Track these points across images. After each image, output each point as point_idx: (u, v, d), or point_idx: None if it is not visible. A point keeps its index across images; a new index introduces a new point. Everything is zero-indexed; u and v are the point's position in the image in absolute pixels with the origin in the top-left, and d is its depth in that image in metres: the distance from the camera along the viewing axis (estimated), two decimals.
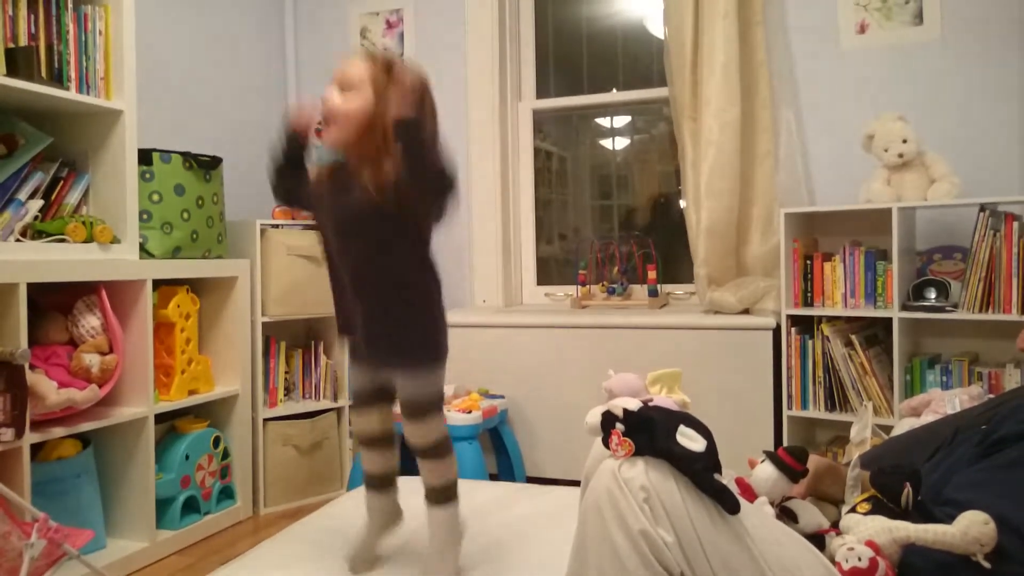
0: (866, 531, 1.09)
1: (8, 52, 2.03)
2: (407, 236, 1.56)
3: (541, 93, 3.42)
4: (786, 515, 1.21)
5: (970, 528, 1.00)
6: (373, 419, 1.73)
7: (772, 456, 1.25)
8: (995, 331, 2.45)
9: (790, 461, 1.23)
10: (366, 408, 1.73)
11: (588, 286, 3.17)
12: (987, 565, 0.99)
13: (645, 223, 3.35)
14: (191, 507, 2.48)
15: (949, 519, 1.03)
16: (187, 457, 2.45)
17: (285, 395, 2.92)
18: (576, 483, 1.33)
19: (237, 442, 2.66)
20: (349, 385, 1.82)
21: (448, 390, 2.79)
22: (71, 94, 2.17)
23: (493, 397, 2.78)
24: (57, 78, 2.16)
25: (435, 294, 1.64)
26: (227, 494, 2.64)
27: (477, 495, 2.20)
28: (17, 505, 1.62)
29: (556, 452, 2.82)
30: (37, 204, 2.16)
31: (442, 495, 1.68)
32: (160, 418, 2.38)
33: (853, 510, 1.18)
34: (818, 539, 1.15)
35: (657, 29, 3.21)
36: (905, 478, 1.14)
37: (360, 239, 1.57)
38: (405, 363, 1.62)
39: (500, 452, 2.82)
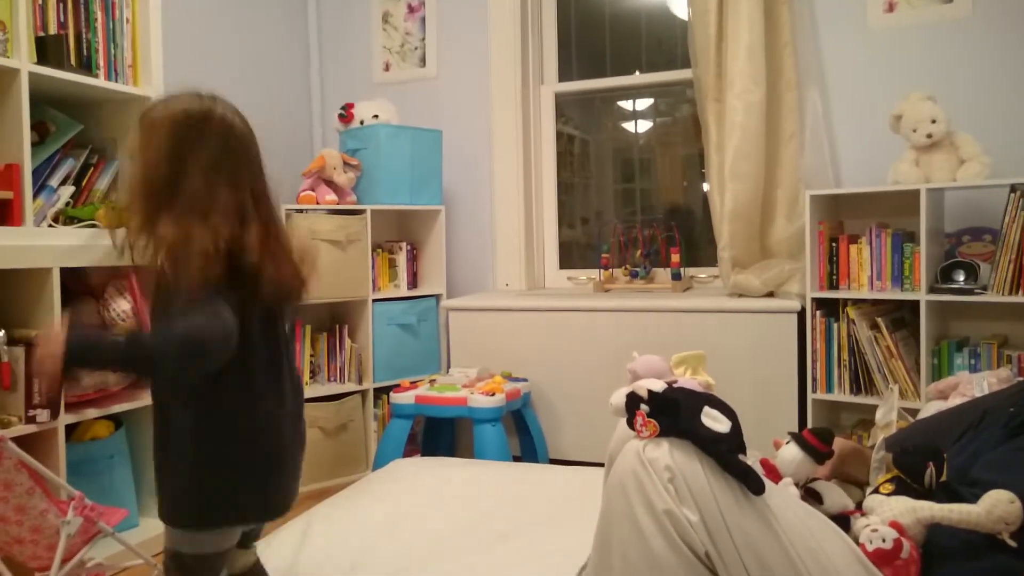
0: (890, 512, 1.10)
1: (38, 41, 2.06)
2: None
3: (563, 76, 3.41)
4: (811, 496, 1.21)
5: (995, 507, 0.99)
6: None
7: (797, 437, 1.25)
8: None
9: (815, 443, 1.23)
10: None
11: (611, 269, 3.17)
12: (1012, 544, 0.99)
13: (668, 206, 3.34)
14: None
15: (974, 499, 1.03)
16: None
17: (311, 378, 2.96)
18: (599, 465, 1.34)
19: None
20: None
21: (471, 373, 2.82)
22: (100, 81, 2.20)
23: (516, 380, 2.80)
24: (86, 66, 2.19)
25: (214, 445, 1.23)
26: None
27: (500, 476, 2.22)
28: (54, 484, 1.67)
29: (579, 434, 2.83)
30: (68, 190, 2.20)
31: None
32: None
33: (876, 491, 1.18)
34: (843, 520, 1.15)
35: (681, 10, 3.18)
36: (927, 458, 1.13)
37: None
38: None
39: (523, 434, 2.84)
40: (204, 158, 1.21)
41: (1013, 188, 2.29)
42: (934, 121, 2.36)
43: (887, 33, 2.72)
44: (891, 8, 2.72)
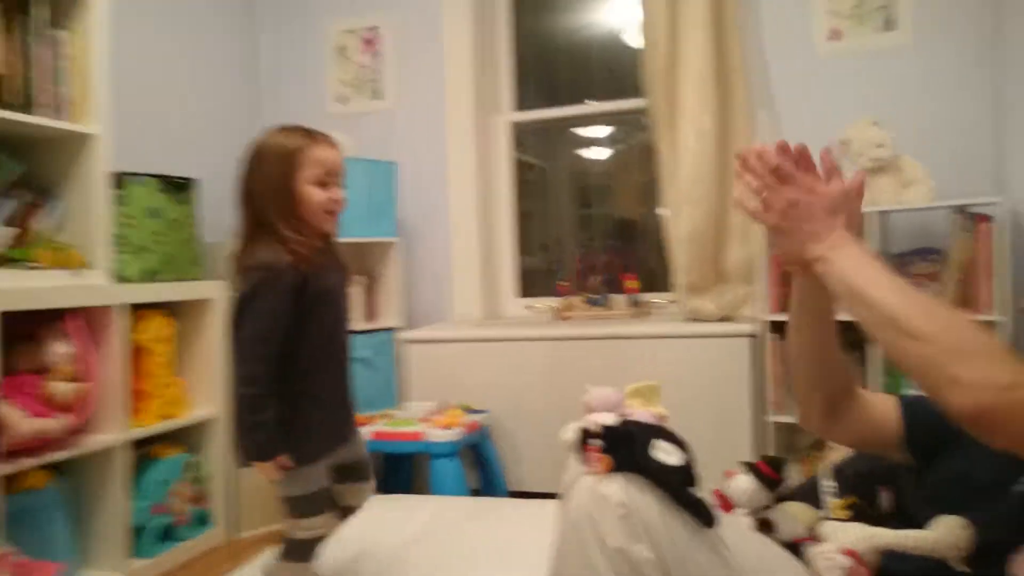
0: (845, 538, 1.09)
1: None
2: None
3: (519, 105, 3.42)
4: (764, 525, 1.20)
5: (948, 533, 0.99)
6: None
7: (750, 467, 1.24)
8: None
9: (767, 471, 1.22)
10: None
11: (569, 297, 3.16)
12: (965, 569, 0.99)
13: (626, 232, 3.35)
14: (167, 534, 2.43)
15: (928, 524, 1.02)
16: (163, 483, 2.40)
17: None
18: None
19: (214, 466, 2.61)
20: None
21: (430, 406, 2.78)
22: (41, 120, 2.13)
23: (476, 412, 2.76)
24: (26, 104, 2.13)
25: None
26: (204, 519, 2.59)
27: (457, 510, 2.18)
28: None
29: (539, 465, 2.79)
30: (8, 232, 2.12)
31: None
32: (135, 444, 2.34)
33: (833, 514, 1.17)
34: (796, 548, 1.14)
35: (634, 40, 3.22)
36: (880, 482, 1.13)
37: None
38: None
39: (483, 467, 2.79)
40: None
41: (957, 209, 2.34)
42: (880, 146, 2.41)
43: (833, 60, 2.79)
44: (836, 36, 2.79)
